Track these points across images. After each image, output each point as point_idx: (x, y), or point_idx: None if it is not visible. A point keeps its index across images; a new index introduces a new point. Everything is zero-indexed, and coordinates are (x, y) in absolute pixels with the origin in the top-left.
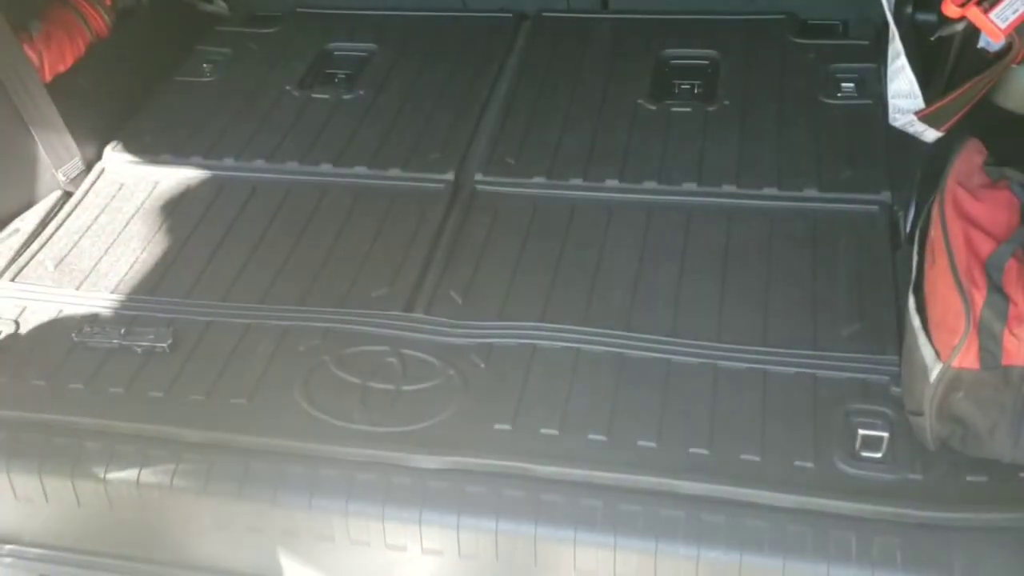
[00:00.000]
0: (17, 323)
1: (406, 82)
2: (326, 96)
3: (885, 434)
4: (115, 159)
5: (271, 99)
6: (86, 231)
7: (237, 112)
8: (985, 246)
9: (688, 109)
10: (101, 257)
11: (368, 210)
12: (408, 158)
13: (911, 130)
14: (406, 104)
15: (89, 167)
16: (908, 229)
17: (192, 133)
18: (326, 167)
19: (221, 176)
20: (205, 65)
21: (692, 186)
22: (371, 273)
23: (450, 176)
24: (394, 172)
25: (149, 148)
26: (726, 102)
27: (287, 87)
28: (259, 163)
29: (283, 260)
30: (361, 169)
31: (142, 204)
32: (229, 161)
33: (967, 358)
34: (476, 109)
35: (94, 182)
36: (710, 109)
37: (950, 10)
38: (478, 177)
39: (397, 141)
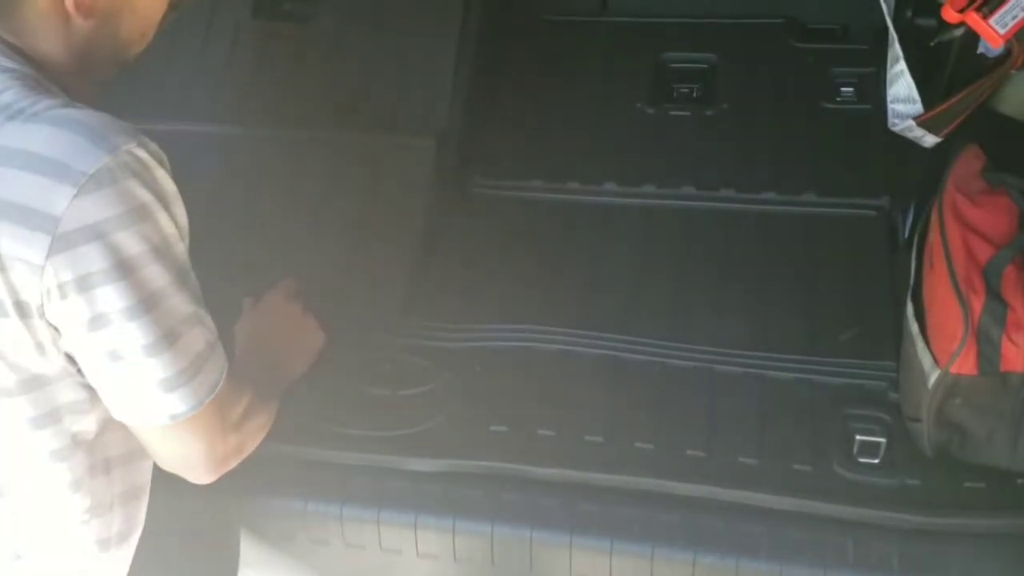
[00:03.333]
0: None
1: (399, 82)
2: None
3: (883, 440)
4: None
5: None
6: None
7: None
8: (984, 252)
9: (687, 113)
10: None
11: (362, 210)
12: (389, 156)
13: (910, 135)
14: (401, 105)
15: None
16: (906, 234)
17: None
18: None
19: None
20: None
21: (690, 190)
22: (366, 276)
23: (446, 178)
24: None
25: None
26: (725, 106)
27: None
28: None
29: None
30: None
31: None
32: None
33: (965, 364)
34: (473, 110)
35: None
36: (709, 113)
37: (949, 15)
38: (475, 179)
39: (392, 143)
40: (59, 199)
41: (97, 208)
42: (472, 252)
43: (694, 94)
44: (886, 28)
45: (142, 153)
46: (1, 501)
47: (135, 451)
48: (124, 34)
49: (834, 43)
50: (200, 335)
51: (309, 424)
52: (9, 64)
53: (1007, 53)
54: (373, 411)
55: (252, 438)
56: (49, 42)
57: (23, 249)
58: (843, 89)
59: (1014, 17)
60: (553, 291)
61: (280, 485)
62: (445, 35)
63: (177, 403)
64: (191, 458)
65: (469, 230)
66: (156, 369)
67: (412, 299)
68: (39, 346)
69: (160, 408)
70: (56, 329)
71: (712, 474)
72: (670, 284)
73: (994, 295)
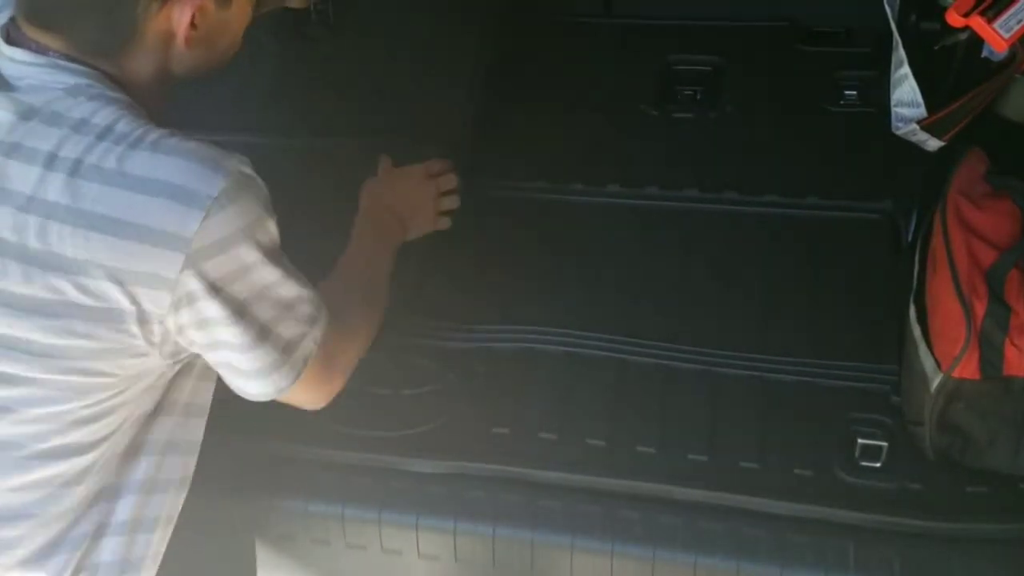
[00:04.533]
0: None
1: (406, 85)
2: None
3: (884, 444)
4: None
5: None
6: None
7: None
8: (987, 256)
9: (690, 115)
10: None
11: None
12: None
13: (913, 139)
14: (404, 107)
15: None
16: (909, 238)
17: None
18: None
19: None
20: None
21: (694, 192)
22: None
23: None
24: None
25: None
26: (728, 108)
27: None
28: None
29: None
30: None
31: None
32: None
33: (968, 368)
34: (477, 112)
35: None
36: (712, 115)
37: (954, 19)
38: (479, 181)
39: (396, 145)
40: (191, 222)
41: (222, 225)
42: (475, 253)
43: (698, 96)
44: (890, 31)
45: (248, 170)
46: (81, 488)
47: (192, 442)
48: (219, 53)
49: (838, 46)
50: (304, 311)
51: (311, 424)
52: (113, 95)
53: (1011, 57)
54: (375, 411)
55: (356, 360)
56: (147, 69)
57: (158, 267)
58: (847, 92)
59: (1019, 21)
60: (556, 292)
61: (282, 485)
62: (463, 53)
63: (281, 380)
64: (304, 404)
65: (473, 231)
66: (263, 355)
67: (415, 299)
68: (141, 351)
69: (268, 386)
70: (168, 331)
71: (714, 478)
72: (673, 286)
73: (997, 299)
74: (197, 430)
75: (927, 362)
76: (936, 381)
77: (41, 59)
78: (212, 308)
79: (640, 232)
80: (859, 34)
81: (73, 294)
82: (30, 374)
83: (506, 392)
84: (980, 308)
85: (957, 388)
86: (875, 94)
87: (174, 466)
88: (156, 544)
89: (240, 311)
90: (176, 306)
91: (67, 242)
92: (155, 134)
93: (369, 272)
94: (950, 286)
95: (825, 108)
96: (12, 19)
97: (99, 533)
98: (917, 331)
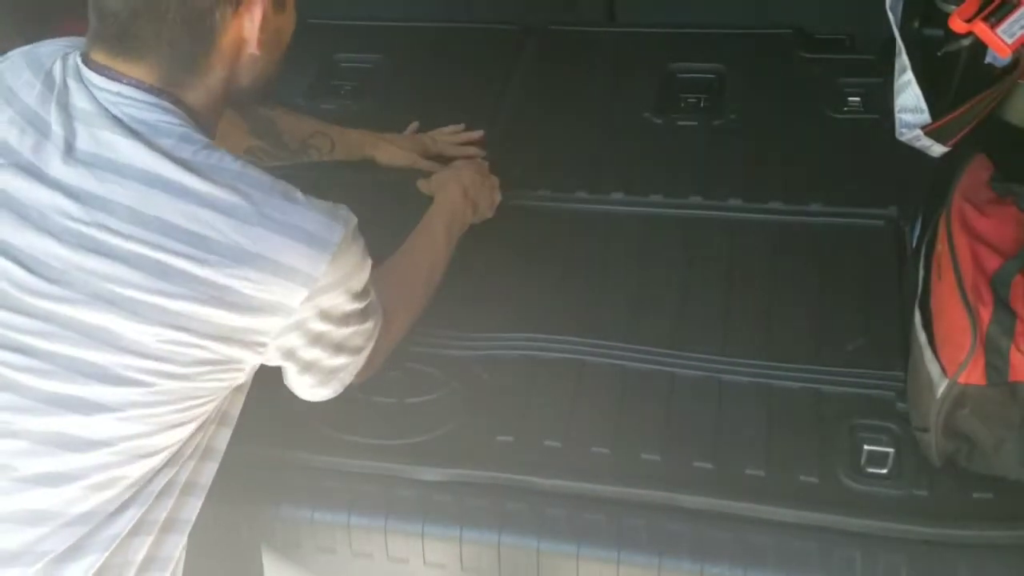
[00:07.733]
0: None
1: (411, 93)
2: (332, 107)
3: (891, 450)
4: None
5: None
6: None
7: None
8: (992, 262)
9: (694, 123)
10: None
11: (370, 218)
12: (413, 168)
13: (918, 145)
14: (411, 115)
15: None
16: (914, 244)
17: None
18: (331, 173)
19: None
20: None
21: (698, 199)
22: None
23: None
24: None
25: None
26: (732, 116)
27: (296, 100)
28: None
29: None
30: (365, 177)
31: None
32: None
33: (973, 374)
34: (481, 120)
35: None
36: (716, 123)
37: (957, 25)
38: None
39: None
40: (320, 264)
41: (343, 266)
42: (480, 260)
43: (702, 104)
44: (893, 38)
45: (351, 214)
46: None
47: (218, 450)
48: (276, 59)
49: (842, 53)
50: (369, 329)
51: (316, 432)
52: (203, 139)
53: (1015, 63)
54: (380, 419)
55: (399, 339)
56: (218, 85)
57: (284, 298)
58: (851, 99)
59: (1022, 27)
60: (560, 300)
61: (287, 493)
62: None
63: (347, 377)
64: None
65: (477, 239)
66: (342, 362)
67: None
68: (238, 366)
69: (331, 388)
70: (268, 350)
71: (719, 485)
72: (677, 293)
73: (1002, 305)
74: (224, 439)
75: (933, 368)
76: (942, 387)
77: (115, 86)
78: (317, 325)
79: (644, 239)
80: (862, 41)
81: (196, 311)
82: (139, 376)
83: (511, 400)
84: (985, 314)
85: (963, 394)
86: (879, 100)
87: (209, 471)
88: (181, 547)
89: (328, 334)
90: (286, 331)
91: None
92: (281, 183)
93: (431, 253)
94: (955, 292)
95: (829, 115)
96: (82, 54)
97: (134, 532)
98: (923, 337)
